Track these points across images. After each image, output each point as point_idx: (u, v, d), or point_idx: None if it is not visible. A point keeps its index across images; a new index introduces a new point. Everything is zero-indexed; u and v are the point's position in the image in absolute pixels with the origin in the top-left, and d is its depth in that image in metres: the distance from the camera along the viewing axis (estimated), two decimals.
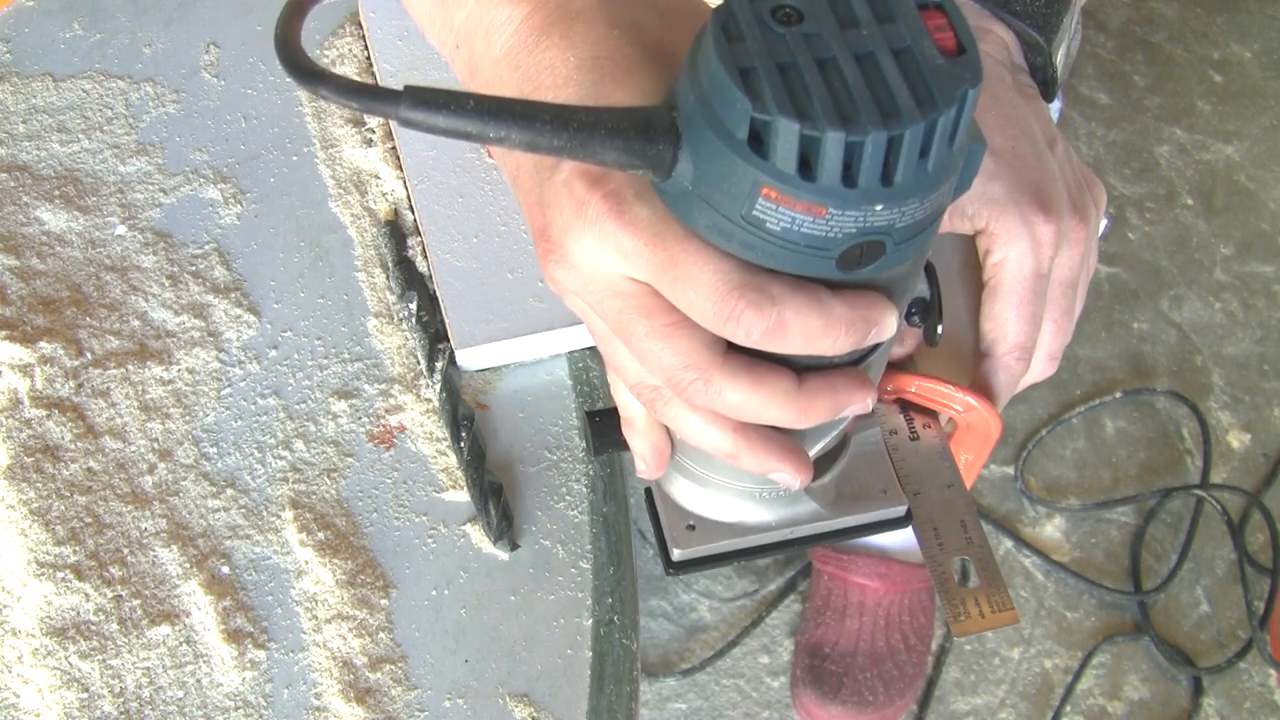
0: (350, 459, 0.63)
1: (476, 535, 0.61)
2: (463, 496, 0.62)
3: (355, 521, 0.62)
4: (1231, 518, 1.44)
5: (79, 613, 0.59)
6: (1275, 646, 1.35)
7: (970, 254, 0.60)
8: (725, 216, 0.35)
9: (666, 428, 0.47)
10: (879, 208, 0.34)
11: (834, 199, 0.33)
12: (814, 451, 0.46)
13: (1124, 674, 1.41)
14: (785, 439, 0.42)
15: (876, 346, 0.41)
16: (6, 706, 0.56)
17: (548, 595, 0.60)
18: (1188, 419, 1.53)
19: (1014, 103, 0.57)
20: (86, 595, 0.59)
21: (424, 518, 0.62)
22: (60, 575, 0.59)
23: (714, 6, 0.35)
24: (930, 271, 0.48)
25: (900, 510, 0.50)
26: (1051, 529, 1.47)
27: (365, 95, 0.36)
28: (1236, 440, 1.53)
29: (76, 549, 0.60)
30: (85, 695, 0.57)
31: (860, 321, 0.38)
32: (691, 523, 0.50)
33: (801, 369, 0.40)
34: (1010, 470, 1.50)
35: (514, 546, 0.61)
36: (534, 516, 0.62)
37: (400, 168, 0.71)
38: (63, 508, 0.61)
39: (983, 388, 0.57)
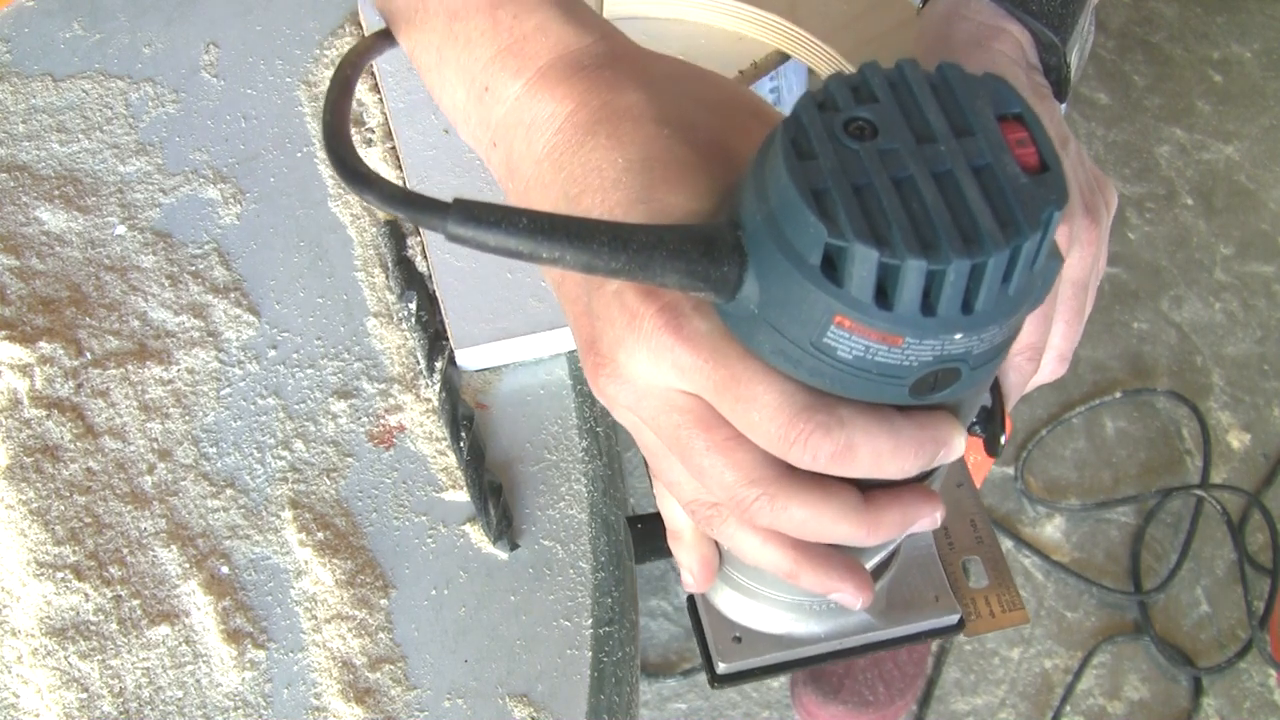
0: (350, 459, 0.63)
1: (476, 535, 0.61)
2: (462, 496, 0.62)
3: (355, 521, 0.62)
4: (1231, 518, 1.44)
5: (78, 613, 0.59)
6: (1275, 646, 1.35)
7: None
8: (793, 343, 0.33)
9: (715, 540, 0.45)
10: (958, 336, 0.32)
11: (912, 328, 0.31)
12: (871, 565, 0.44)
13: (1124, 674, 1.41)
14: (846, 558, 0.40)
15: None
16: (6, 706, 0.56)
17: (547, 595, 0.60)
18: (1188, 419, 1.53)
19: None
20: (86, 595, 0.59)
21: (424, 518, 0.62)
22: (60, 575, 0.59)
23: (782, 118, 0.33)
24: (994, 381, 0.46)
25: (953, 619, 0.49)
26: (1051, 529, 1.47)
27: (413, 206, 0.34)
28: (1236, 440, 1.53)
29: (76, 549, 0.60)
30: (85, 695, 0.57)
31: (930, 443, 0.36)
32: (738, 634, 0.48)
33: (866, 486, 0.38)
34: (1010, 470, 1.50)
35: (514, 546, 0.61)
36: (534, 516, 0.62)
37: (400, 167, 0.71)
38: (62, 508, 0.61)
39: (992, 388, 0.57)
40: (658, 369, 0.37)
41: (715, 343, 0.35)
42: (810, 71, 0.78)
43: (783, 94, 1.17)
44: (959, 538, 0.52)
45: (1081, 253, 0.56)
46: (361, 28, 0.78)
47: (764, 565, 0.40)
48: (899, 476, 0.36)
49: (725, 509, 0.39)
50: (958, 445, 0.37)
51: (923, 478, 0.39)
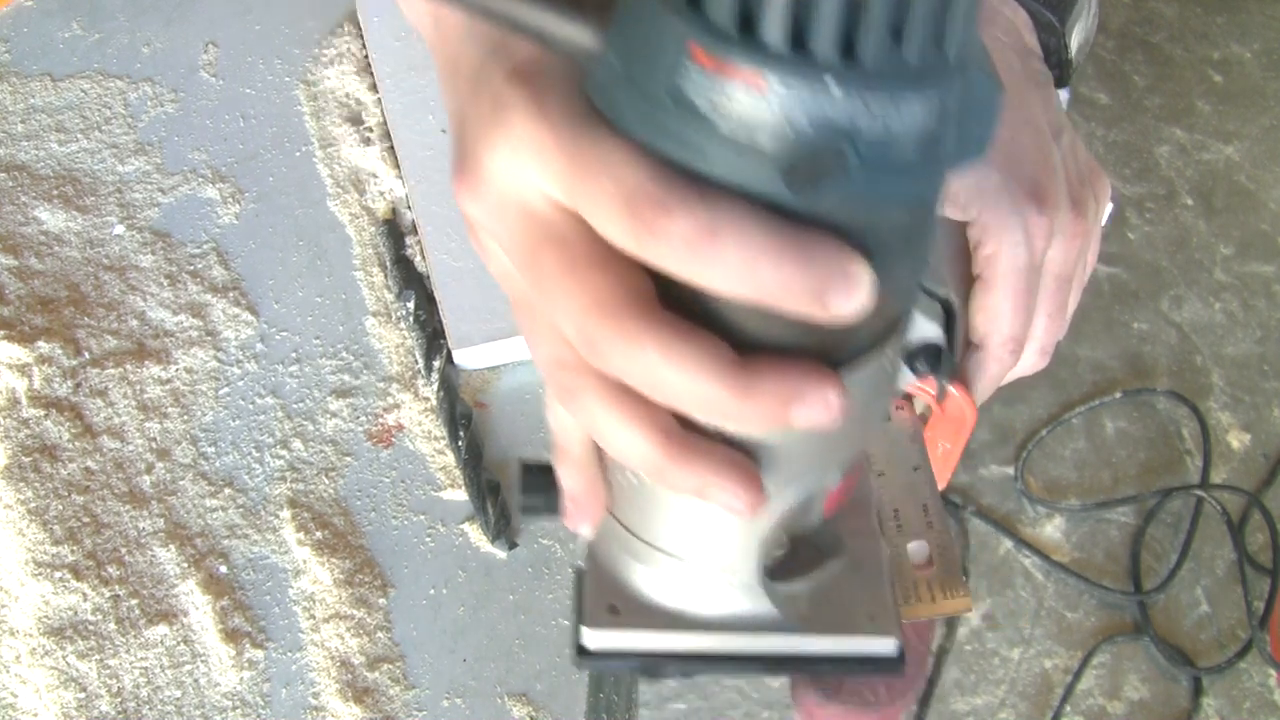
0: (348, 458, 0.63)
1: (475, 534, 0.61)
2: (461, 495, 0.62)
3: (353, 520, 0.62)
4: (1231, 518, 1.43)
5: (77, 612, 0.58)
6: (1275, 646, 1.35)
7: (959, 240, 0.60)
8: (649, 96, 0.28)
9: (604, 467, 0.39)
10: (835, 90, 0.26)
11: (776, 65, 0.26)
12: (779, 510, 0.37)
13: (1124, 674, 1.41)
14: (727, 449, 0.34)
15: (860, 356, 0.33)
16: (4, 706, 0.56)
17: (546, 594, 0.60)
18: (1188, 419, 1.53)
19: (1020, 90, 0.56)
20: (84, 595, 0.59)
21: (422, 517, 0.62)
22: (58, 575, 0.59)
23: None
24: (950, 314, 0.40)
25: (889, 648, 0.41)
26: (1051, 529, 1.46)
27: None
28: (1236, 440, 1.53)
29: (74, 548, 0.60)
30: (83, 695, 0.56)
31: (820, 264, 0.29)
32: (616, 603, 0.40)
33: (746, 346, 0.31)
34: (1010, 470, 1.49)
35: (512, 545, 0.61)
36: None
37: (398, 167, 0.71)
38: (60, 507, 0.61)
39: (971, 378, 0.57)
40: (518, 159, 0.32)
41: (576, 119, 0.31)
42: None
43: None
44: (909, 521, 0.50)
45: (1065, 245, 0.55)
46: (360, 27, 0.78)
47: (631, 460, 0.34)
48: (778, 300, 0.30)
49: (584, 373, 0.34)
50: (859, 281, 0.29)
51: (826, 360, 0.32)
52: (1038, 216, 0.54)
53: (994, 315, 0.55)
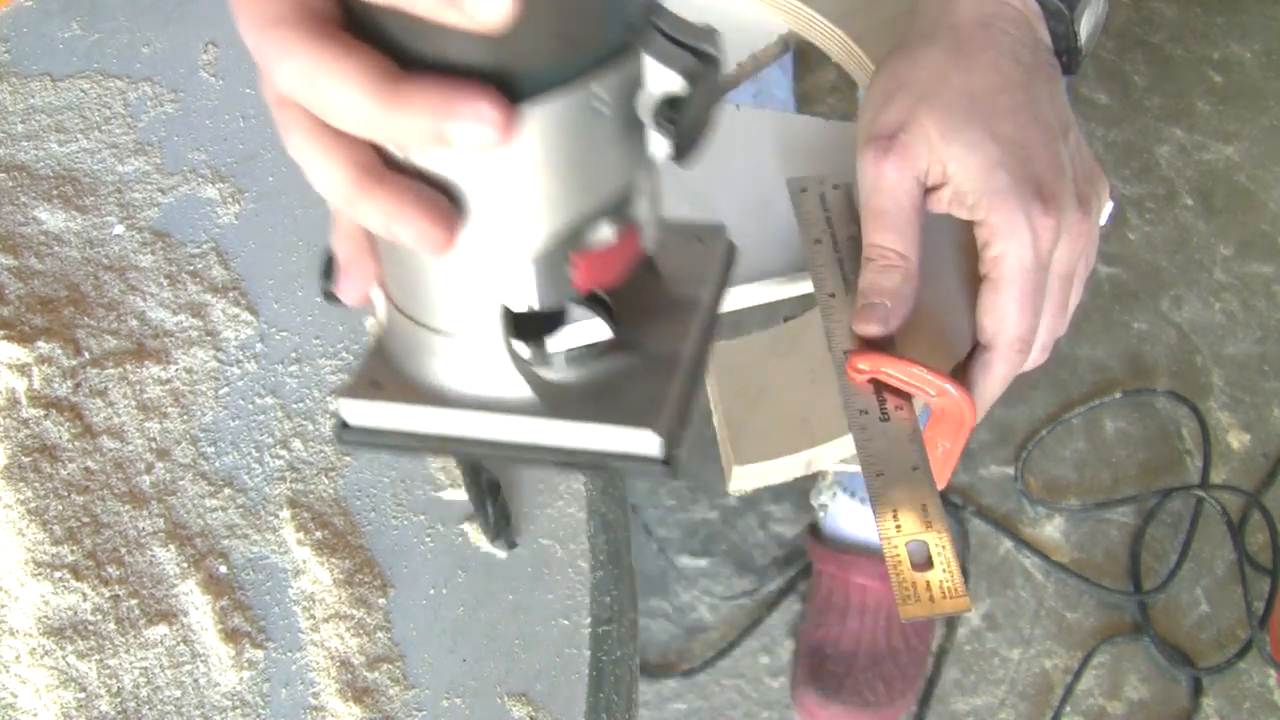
0: (348, 458, 0.63)
1: (474, 534, 0.61)
2: (461, 495, 0.62)
3: (353, 520, 0.62)
4: (1231, 518, 1.44)
5: (76, 612, 0.58)
6: (1275, 646, 1.35)
7: (964, 236, 0.60)
8: None
9: (370, 240, 0.39)
10: None
11: None
12: (500, 266, 0.36)
13: (1124, 674, 1.41)
14: (419, 183, 0.34)
15: (551, 89, 0.32)
16: (4, 706, 0.56)
17: (546, 594, 0.60)
18: (1188, 419, 1.53)
19: (1027, 86, 0.56)
20: (84, 595, 0.59)
21: (422, 516, 0.62)
22: (58, 575, 0.59)
23: None
24: (704, 62, 0.36)
25: (651, 447, 0.38)
26: (1051, 529, 1.47)
27: None
28: (1236, 440, 1.53)
29: (74, 548, 0.60)
30: (83, 695, 0.56)
31: None
32: (380, 379, 0.40)
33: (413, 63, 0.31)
34: (1010, 470, 1.50)
35: (512, 545, 0.61)
36: (532, 515, 0.62)
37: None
38: (60, 507, 0.61)
39: (979, 379, 0.57)
40: None
41: None
42: (800, 68, 0.78)
43: (764, 96, 1.17)
44: (907, 521, 0.50)
45: (1070, 245, 0.55)
46: None
47: (328, 191, 0.35)
48: (413, 3, 0.30)
49: (289, 106, 0.34)
50: None
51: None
52: (1044, 217, 0.54)
53: (1002, 316, 0.55)
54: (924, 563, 0.50)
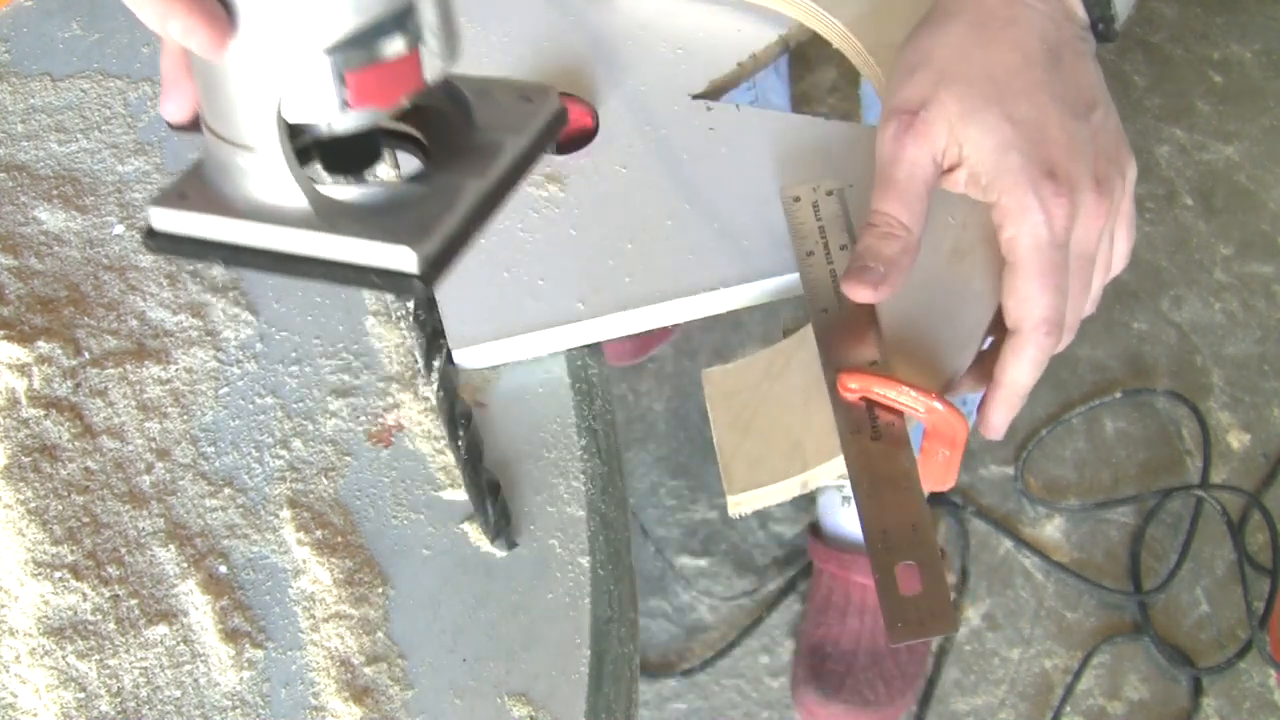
0: (348, 458, 0.63)
1: (474, 534, 0.61)
2: (461, 495, 0.62)
3: (353, 520, 0.62)
4: (1231, 518, 1.44)
5: (76, 612, 0.58)
6: (1275, 646, 1.35)
7: (959, 242, 0.60)
8: None
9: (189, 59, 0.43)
10: None
11: None
12: (263, 75, 0.39)
13: (1124, 674, 1.41)
14: None
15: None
16: (4, 706, 0.56)
17: (546, 594, 0.60)
18: (1188, 419, 1.53)
19: (1050, 65, 0.56)
20: (84, 595, 0.59)
21: (422, 516, 0.62)
22: (57, 575, 0.59)
23: None
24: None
25: (408, 263, 0.40)
26: (1051, 529, 1.47)
27: None
28: (1236, 440, 1.53)
29: (74, 548, 0.60)
30: (83, 695, 0.56)
31: None
32: (189, 191, 0.43)
33: None
34: (1010, 470, 1.50)
35: (512, 545, 0.61)
36: (532, 515, 0.62)
37: (396, 165, 0.71)
38: (60, 507, 0.61)
39: (1009, 365, 0.56)
40: None
41: None
42: (799, 69, 0.78)
43: (761, 102, 1.17)
44: (897, 541, 0.49)
45: (1088, 224, 0.55)
46: None
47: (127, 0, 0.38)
48: None
49: None
50: None
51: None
52: (1056, 197, 0.54)
53: (1024, 298, 0.55)
54: (913, 583, 0.49)
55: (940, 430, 0.53)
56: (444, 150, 0.46)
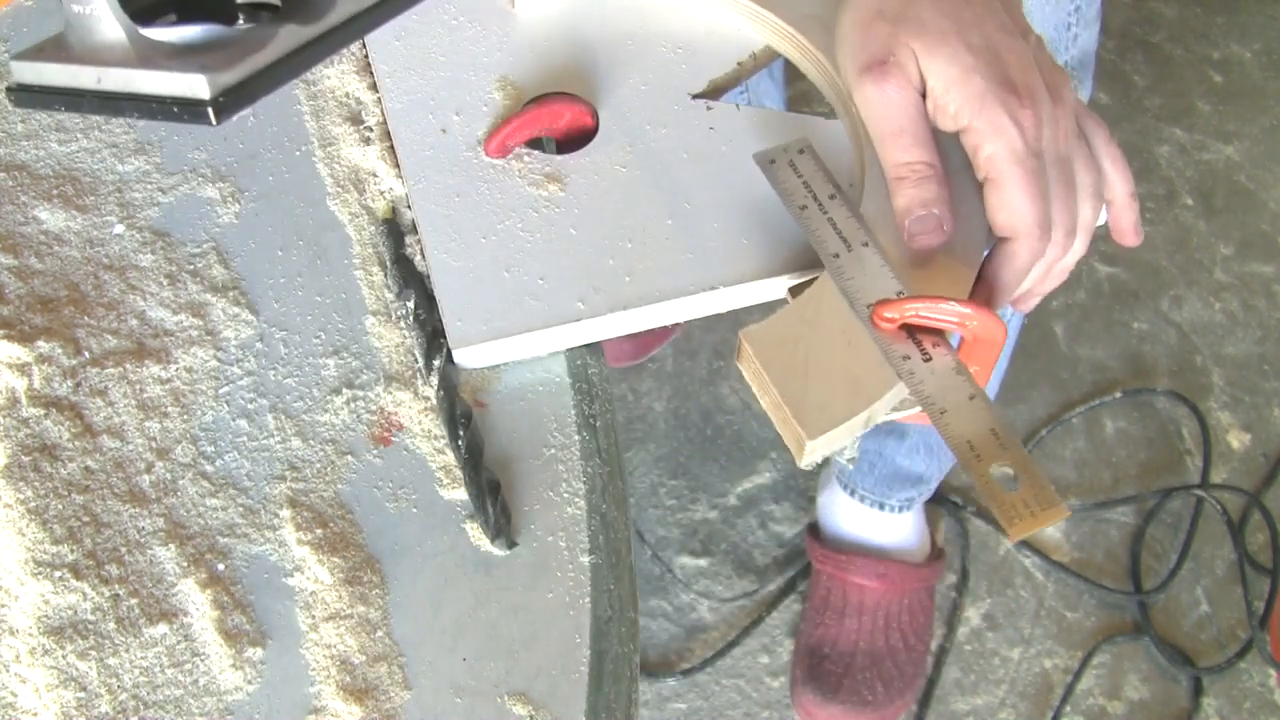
0: (348, 457, 0.63)
1: (475, 533, 0.61)
2: (461, 494, 0.62)
3: (353, 520, 0.62)
4: (1231, 518, 1.44)
5: (76, 612, 0.58)
6: (1275, 646, 1.35)
7: (960, 153, 0.61)
8: None
9: None
10: None
11: None
12: None
13: (1124, 674, 1.41)
14: None
15: None
16: (4, 705, 0.56)
17: (546, 593, 0.60)
18: (1188, 419, 1.53)
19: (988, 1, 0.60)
20: (84, 594, 0.59)
21: (422, 516, 0.62)
22: (58, 574, 0.59)
23: None
24: None
25: (200, 88, 0.43)
26: (1052, 529, 1.47)
27: None
28: (1236, 440, 1.53)
29: (74, 548, 0.60)
30: (83, 694, 0.56)
31: None
32: (46, 48, 0.47)
33: None
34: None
35: (512, 544, 0.61)
36: (532, 514, 0.62)
37: (398, 166, 0.71)
38: (60, 507, 0.61)
39: (1001, 270, 0.59)
40: None
41: None
42: (794, 73, 0.78)
43: (753, 102, 1.17)
44: (984, 448, 0.52)
45: (1054, 129, 0.58)
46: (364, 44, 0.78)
47: None
48: None
49: None
50: None
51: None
52: (1023, 109, 0.57)
53: (1013, 209, 0.58)
54: (1011, 483, 0.51)
55: (980, 338, 0.55)
56: (293, 5, 0.49)
